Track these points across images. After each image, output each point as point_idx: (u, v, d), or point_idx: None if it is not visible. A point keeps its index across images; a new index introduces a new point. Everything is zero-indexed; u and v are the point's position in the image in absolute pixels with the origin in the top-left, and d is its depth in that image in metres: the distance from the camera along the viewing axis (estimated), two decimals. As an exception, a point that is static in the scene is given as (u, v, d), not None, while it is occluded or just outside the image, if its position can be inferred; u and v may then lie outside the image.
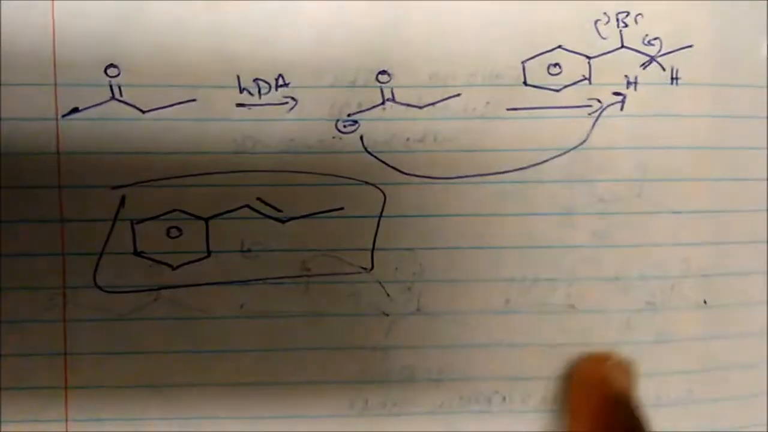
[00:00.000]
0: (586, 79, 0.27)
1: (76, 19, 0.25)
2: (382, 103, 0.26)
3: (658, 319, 0.28)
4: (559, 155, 0.27)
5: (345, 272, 0.27)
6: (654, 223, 0.28)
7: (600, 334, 0.28)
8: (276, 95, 0.26)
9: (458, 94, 0.26)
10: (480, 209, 0.27)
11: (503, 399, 0.28)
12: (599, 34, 0.27)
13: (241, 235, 0.26)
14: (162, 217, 0.26)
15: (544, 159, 0.27)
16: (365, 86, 0.26)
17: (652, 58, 0.27)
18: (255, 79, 0.26)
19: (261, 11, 0.26)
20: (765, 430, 0.29)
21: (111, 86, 0.25)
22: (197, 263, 0.26)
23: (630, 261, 0.28)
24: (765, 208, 0.28)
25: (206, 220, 0.26)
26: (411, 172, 0.27)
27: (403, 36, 0.26)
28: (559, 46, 0.27)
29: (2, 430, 0.26)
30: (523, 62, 0.27)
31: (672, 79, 0.27)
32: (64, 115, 0.25)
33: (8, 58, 0.25)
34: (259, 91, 0.26)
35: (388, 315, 0.27)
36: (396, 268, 0.27)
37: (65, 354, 0.26)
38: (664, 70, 0.27)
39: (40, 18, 0.25)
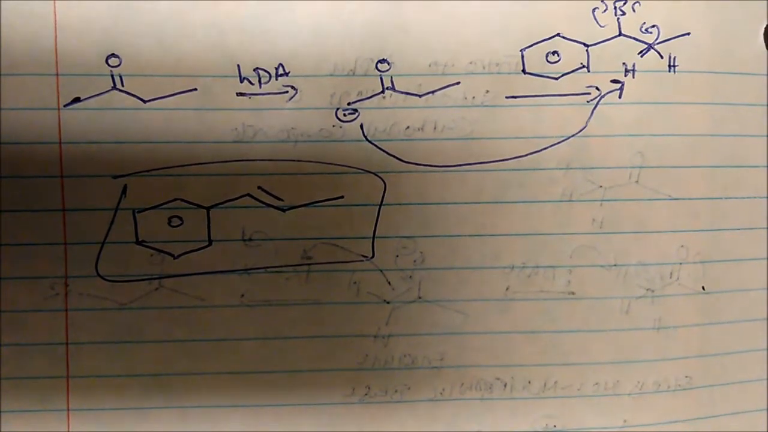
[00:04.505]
0: (584, 66, 0.27)
1: (78, 9, 0.25)
2: (382, 92, 0.26)
3: (657, 306, 0.28)
4: (558, 143, 0.27)
5: (346, 260, 0.27)
6: (653, 210, 0.28)
7: (599, 321, 0.28)
8: (276, 84, 0.26)
9: (458, 83, 0.27)
10: (480, 197, 0.27)
11: (504, 386, 0.28)
12: (597, 22, 0.27)
13: (242, 224, 0.27)
14: (163, 207, 0.26)
15: (543, 147, 0.27)
16: (365, 75, 0.26)
17: (650, 46, 0.27)
18: (255, 69, 0.26)
19: (260, 1, 0.26)
20: (763, 415, 0.29)
21: (112, 76, 0.25)
22: (199, 252, 0.26)
23: (629, 248, 0.28)
24: (763, 195, 0.29)
25: (207, 209, 0.26)
26: (411, 161, 0.27)
27: (403, 25, 0.26)
28: (558, 35, 0.27)
29: (4, 419, 0.26)
30: (521, 50, 0.27)
31: (670, 66, 0.27)
32: (65, 105, 0.25)
33: (10, 48, 0.25)
34: (260, 81, 0.26)
35: (389, 303, 0.27)
36: (397, 256, 0.27)
37: (67, 343, 0.26)
38: (661, 57, 0.27)
39: (41, 8, 0.25)
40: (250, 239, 0.27)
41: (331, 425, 0.28)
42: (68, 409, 0.27)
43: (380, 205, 0.27)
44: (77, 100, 0.25)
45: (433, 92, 0.27)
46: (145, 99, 0.26)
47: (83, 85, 0.25)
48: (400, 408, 0.28)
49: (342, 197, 0.27)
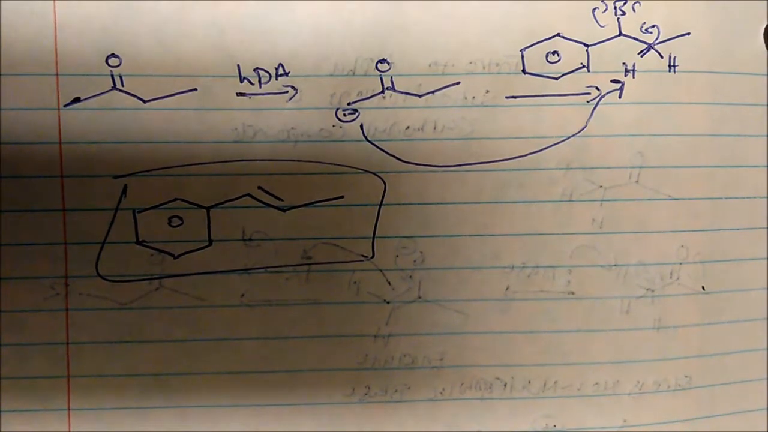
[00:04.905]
0: (584, 66, 0.27)
1: (78, 9, 0.25)
2: (382, 92, 0.26)
3: (657, 306, 0.28)
4: (558, 143, 0.27)
5: (346, 260, 0.27)
6: (653, 210, 0.28)
7: (599, 321, 0.28)
8: (276, 84, 0.26)
9: (458, 83, 0.27)
10: (480, 197, 0.27)
11: (504, 386, 0.28)
12: (597, 22, 0.27)
13: (243, 224, 0.27)
14: (163, 207, 0.26)
15: (544, 147, 0.27)
16: (365, 75, 0.26)
17: (650, 46, 0.27)
18: (255, 69, 0.26)
19: (260, 1, 0.26)
20: (763, 415, 0.29)
21: (112, 76, 0.25)
22: (199, 252, 0.27)
23: (629, 248, 0.28)
24: (763, 195, 0.28)
25: (207, 209, 0.26)
26: (411, 161, 0.27)
27: (403, 25, 0.26)
28: (558, 34, 0.27)
29: (4, 419, 0.27)
30: (521, 50, 0.27)
31: (670, 66, 0.27)
32: (65, 105, 0.25)
33: (10, 48, 0.25)
34: (260, 81, 0.26)
35: (388, 303, 0.27)
36: (396, 256, 0.27)
37: (67, 343, 0.26)
38: (662, 57, 0.27)
39: (41, 8, 0.25)
40: (250, 239, 0.27)
41: (331, 425, 0.28)
42: (69, 409, 0.27)
43: (380, 205, 0.27)
44: (77, 100, 0.25)
45: (433, 92, 0.27)
46: (145, 99, 0.26)
47: (83, 85, 0.25)
48: (400, 408, 0.28)
49: (342, 197, 0.27)
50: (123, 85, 0.26)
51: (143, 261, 0.26)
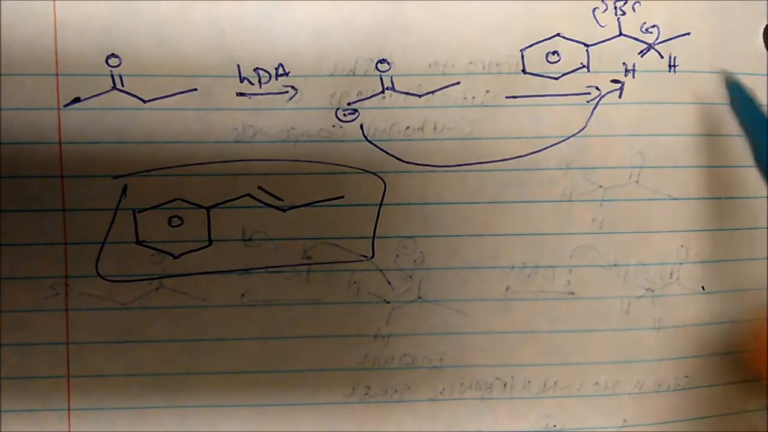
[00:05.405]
0: (584, 66, 0.27)
1: (78, 9, 0.25)
2: (382, 92, 0.26)
3: (657, 306, 0.28)
4: (558, 143, 0.27)
5: (346, 260, 0.27)
6: (653, 210, 0.28)
7: (599, 321, 0.28)
8: (276, 84, 0.26)
9: (458, 83, 0.27)
10: (480, 197, 0.27)
11: (504, 386, 0.28)
12: (597, 22, 0.27)
13: (243, 224, 0.27)
14: (163, 207, 0.26)
15: (544, 147, 0.27)
16: (365, 75, 0.26)
17: (650, 46, 0.27)
18: (255, 69, 0.26)
19: (260, 1, 0.26)
20: (764, 415, 0.29)
21: (112, 76, 0.26)
22: (199, 252, 0.27)
23: (629, 248, 0.28)
24: (763, 195, 0.28)
25: (207, 209, 0.26)
26: (411, 161, 0.27)
27: (403, 25, 0.26)
28: (558, 34, 0.27)
29: (5, 419, 0.27)
30: (521, 50, 0.27)
31: (670, 66, 0.27)
32: (65, 105, 0.25)
33: (10, 48, 0.25)
34: (260, 81, 0.26)
35: (388, 303, 0.27)
36: (397, 256, 0.27)
37: (67, 343, 0.26)
38: (662, 57, 0.27)
39: (41, 8, 0.25)
40: (250, 239, 0.27)
41: (331, 425, 0.28)
42: (69, 409, 0.27)
43: (380, 205, 0.27)
44: (77, 100, 0.25)
45: (433, 92, 0.27)
46: (145, 99, 0.26)
47: (83, 85, 0.25)
48: (400, 408, 0.28)
49: (342, 197, 0.27)
50: (123, 85, 0.26)
51: (143, 261, 0.26)
